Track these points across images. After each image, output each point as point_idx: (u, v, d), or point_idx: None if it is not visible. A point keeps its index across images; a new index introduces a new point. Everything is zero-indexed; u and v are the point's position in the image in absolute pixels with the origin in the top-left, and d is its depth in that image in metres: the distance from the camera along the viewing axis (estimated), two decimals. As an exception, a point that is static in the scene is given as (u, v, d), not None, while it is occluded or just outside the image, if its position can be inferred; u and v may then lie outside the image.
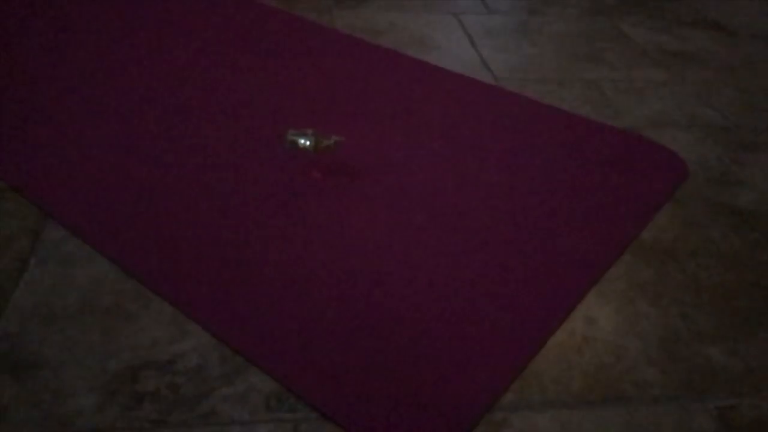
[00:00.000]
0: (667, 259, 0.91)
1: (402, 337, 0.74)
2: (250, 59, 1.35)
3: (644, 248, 0.93)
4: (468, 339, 0.74)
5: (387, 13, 1.67)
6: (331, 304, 0.78)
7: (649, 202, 1.00)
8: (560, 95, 1.33)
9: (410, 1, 1.76)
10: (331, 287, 0.80)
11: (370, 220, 0.92)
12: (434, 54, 1.47)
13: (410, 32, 1.57)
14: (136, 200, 0.93)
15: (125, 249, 0.84)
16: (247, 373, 0.71)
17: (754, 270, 0.90)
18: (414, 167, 1.05)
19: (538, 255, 0.87)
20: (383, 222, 0.92)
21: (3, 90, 1.18)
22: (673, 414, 0.69)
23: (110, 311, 0.77)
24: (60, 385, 0.68)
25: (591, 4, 1.83)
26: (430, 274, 0.83)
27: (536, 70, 1.43)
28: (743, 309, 0.84)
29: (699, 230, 0.97)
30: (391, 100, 1.24)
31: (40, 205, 0.92)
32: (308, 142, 0.98)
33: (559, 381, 0.72)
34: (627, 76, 1.42)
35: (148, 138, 1.08)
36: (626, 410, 0.69)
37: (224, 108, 1.18)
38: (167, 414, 0.66)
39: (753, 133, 1.24)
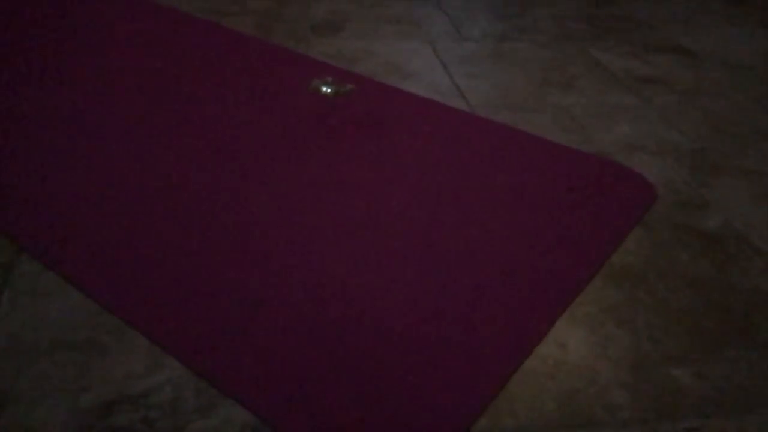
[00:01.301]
0: (636, 282, 0.93)
1: (373, 365, 0.75)
2: (225, 88, 1.37)
3: (614, 272, 0.95)
4: (440, 366, 0.75)
5: (362, 41, 1.69)
6: (303, 336, 0.78)
7: (619, 226, 1.02)
8: (532, 121, 1.35)
9: (385, 28, 1.79)
10: (305, 317, 0.81)
11: (345, 246, 0.93)
12: (409, 81, 1.49)
13: (385, 60, 1.59)
14: (109, 233, 0.93)
15: (99, 282, 0.84)
16: (223, 405, 0.71)
17: (721, 292, 0.92)
18: (387, 193, 1.06)
19: (510, 280, 0.89)
20: (356, 247, 0.93)
21: (-23, 122, 1.18)
22: (643, 437, 0.71)
23: (84, 345, 0.77)
24: (32, 421, 0.68)
25: (561, 30, 1.88)
26: (401, 301, 0.84)
27: (509, 96, 1.45)
28: (710, 330, 0.86)
29: (667, 253, 0.99)
30: (365, 128, 1.25)
31: (13, 238, 0.92)
32: (329, 89, 1.21)
33: (531, 406, 0.73)
34: (597, 102, 1.46)
35: (121, 170, 1.08)
36: (597, 434, 0.71)
37: (198, 135, 1.19)
38: (141, 448, 0.66)
39: (719, 157, 1.27)
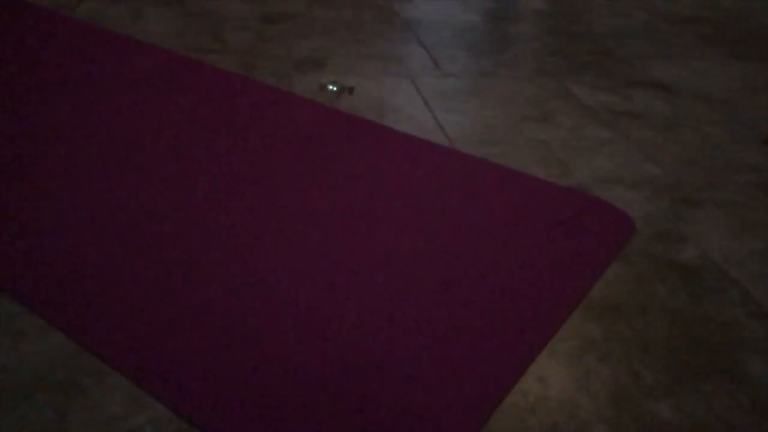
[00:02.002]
0: (615, 316, 0.94)
1: (354, 402, 0.75)
2: (209, 126, 1.38)
3: (593, 306, 0.96)
4: (420, 403, 0.75)
5: (344, 78, 1.72)
6: (285, 373, 0.78)
7: (598, 260, 1.04)
8: (511, 155, 1.38)
9: (367, 65, 1.82)
10: (284, 355, 0.81)
11: (326, 283, 0.94)
12: (391, 117, 1.52)
13: (367, 96, 1.62)
14: (88, 274, 0.93)
15: (79, 322, 0.84)
16: (203, 447, 0.70)
17: (699, 324, 0.94)
18: (369, 227, 1.07)
19: (489, 315, 0.90)
20: (337, 284, 0.93)
21: (-42, 161, 1.18)
22: (624, 472, 0.71)
23: (64, 387, 0.76)
24: (10, 467, 0.67)
25: (540, 66, 1.92)
26: (380, 338, 0.85)
27: (488, 131, 1.48)
28: (690, 364, 0.87)
29: (646, 286, 1.01)
30: (347, 164, 1.27)
31: (-6, 279, 0.91)
32: (335, 87, 1.47)
33: (513, 443, 0.74)
34: (575, 136, 1.48)
35: (100, 212, 1.08)
36: (579, 470, 0.71)
37: (179, 175, 1.19)
38: (120, 493, 0.65)
39: (695, 190, 1.30)
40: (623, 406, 0.80)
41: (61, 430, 0.71)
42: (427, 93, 1.67)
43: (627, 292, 0.99)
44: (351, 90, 1.45)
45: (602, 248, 1.07)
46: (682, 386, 0.83)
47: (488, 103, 1.63)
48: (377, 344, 0.83)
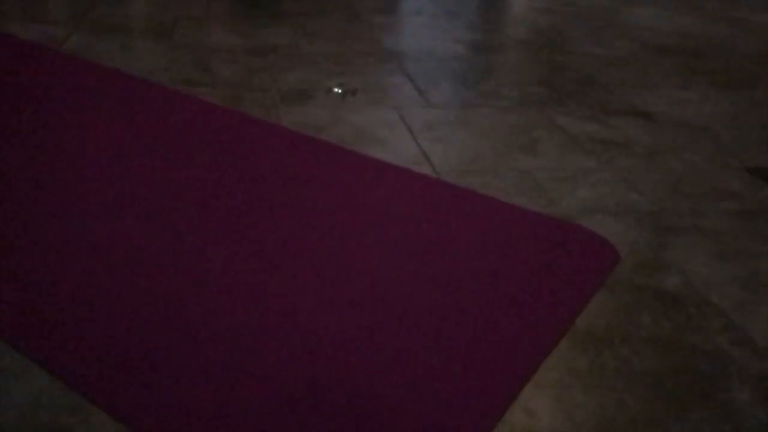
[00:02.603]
0: (600, 345, 0.95)
1: (344, 440, 0.74)
2: (195, 158, 1.38)
3: (579, 335, 0.96)
4: (410, 438, 0.75)
5: (331, 109, 1.73)
6: (279, 406, 0.78)
7: (583, 290, 1.05)
8: (496, 185, 1.39)
9: (353, 96, 1.84)
10: (277, 391, 0.81)
11: (310, 316, 0.94)
12: (377, 148, 1.53)
13: (354, 127, 1.63)
14: (72, 311, 0.93)
15: (64, 361, 0.84)
16: (188, 486, 0.70)
17: (683, 353, 0.94)
18: (356, 259, 1.07)
19: (476, 347, 0.90)
20: (321, 318, 0.94)
21: (-56, 198, 1.18)
22: (611, 505, 0.71)
23: (49, 428, 0.76)
24: None
25: (524, 96, 1.94)
26: (368, 371, 0.85)
27: (474, 162, 1.49)
28: (674, 393, 0.87)
29: (630, 315, 1.02)
30: (334, 196, 1.27)
31: (-22, 317, 0.91)
32: (340, 90, 1.65)
33: (500, 477, 0.74)
34: (559, 165, 1.50)
35: (86, 247, 1.08)
36: (565, 504, 0.71)
37: (164, 210, 1.20)
38: None
39: (677, 217, 1.31)
40: (609, 437, 0.80)
41: (44, 471, 0.70)
42: (412, 124, 1.69)
43: (612, 321, 1.00)
44: (354, 92, 1.58)
45: (587, 278, 1.08)
46: (668, 416, 0.83)
47: (473, 133, 1.65)
48: (362, 376, 0.84)
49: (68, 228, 1.12)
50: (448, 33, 2.61)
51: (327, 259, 1.08)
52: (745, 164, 1.58)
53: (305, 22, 2.61)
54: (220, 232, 1.14)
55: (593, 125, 1.75)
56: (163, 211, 1.19)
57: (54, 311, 0.92)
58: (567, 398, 0.85)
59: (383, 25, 2.64)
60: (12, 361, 0.85)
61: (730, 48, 2.73)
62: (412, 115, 1.74)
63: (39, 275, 1.00)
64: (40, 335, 0.88)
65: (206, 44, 2.21)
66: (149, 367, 0.83)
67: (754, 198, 1.42)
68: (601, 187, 1.42)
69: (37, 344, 0.86)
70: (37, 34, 2.18)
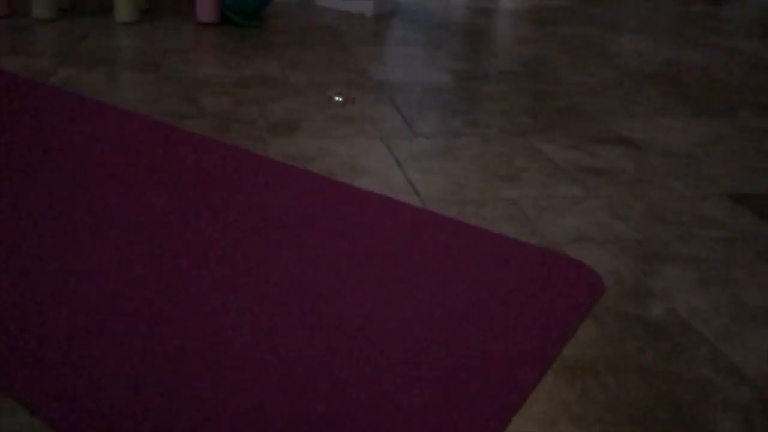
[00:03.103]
0: (587, 376, 0.95)
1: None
2: (181, 191, 1.39)
3: (566, 366, 0.97)
4: (396, 475, 0.75)
5: (319, 140, 1.75)
6: (259, 447, 0.77)
7: (570, 320, 1.05)
8: (482, 215, 1.40)
9: (340, 127, 1.85)
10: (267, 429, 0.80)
11: (294, 353, 0.93)
12: (364, 179, 1.54)
13: (341, 158, 1.64)
14: (57, 350, 0.92)
15: (48, 402, 0.83)
16: None
17: (669, 383, 0.95)
18: (342, 291, 1.07)
19: (461, 379, 0.90)
20: (304, 353, 0.93)
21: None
22: None
23: (29, 469, 0.75)
24: None
25: (509, 124, 1.97)
26: (352, 404, 0.84)
27: (460, 191, 1.50)
28: (661, 424, 0.87)
29: (616, 345, 1.02)
30: (321, 227, 1.28)
31: (-40, 356, 0.90)
32: (340, 98, 1.81)
33: None
34: (544, 194, 1.52)
35: (71, 287, 1.08)
36: None
37: (149, 243, 1.19)
38: None
39: (662, 245, 1.33)
40: (597, 470, 0.80)
41: None
42: (399, 154, 1.70)
43: (598, 351, 1.00)
44: (353, 100, 1.76)
45: (573, 308, 1.08)
46: (655, 447, 0.83)
47: (459, 163, 1.66)
48: (345, 410, 0.83)
49: (52, 265, 1.12)
50: (434, 62, 2.64)
51: (314, 291, 1.08)
52: (728, 191, 1.60)
53: (293, 53, 2.64)
54: (206, 266, 1.13)
55: (578, 153, 1.77)
56: (148, 244, 1.19)
57: (37, 349, 0.91)
58: (555, 431, 0.85)
59: (370, 55, 2.67)
60: (-6, 401, 0.84)
61: (712, 75, 2.78)
62: (399, 146, 1.75)
63: (23, 315, 0.99)
64: (25, 376, 0.87)
65: (194, 76, 2.22)
66: (139, 414, 0.83)
67: (736, 225, 1.43)
68: (587, 215, 1.43)
69: (22, 384, 0.85)
70: (24, 66, 2.19)
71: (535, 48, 3.04)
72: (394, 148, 1.73)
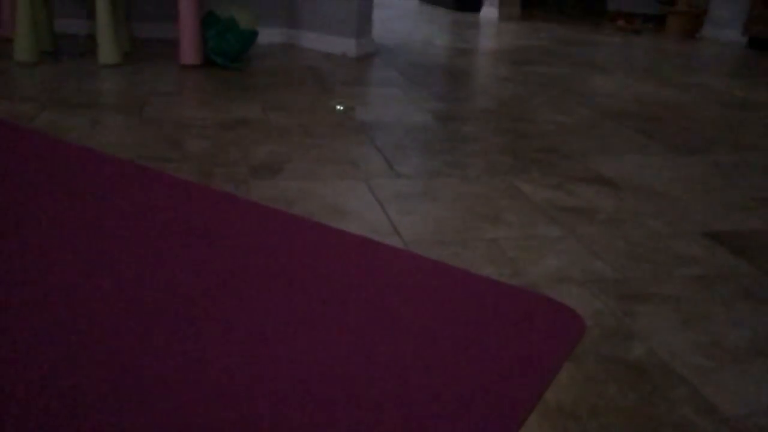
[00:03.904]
0: (569, 420, 0.95)
1: None
2: (163, 236, 1.39)
3: (548, 410, 0.97)
4: None
5: (301, 182, 1.76)
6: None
7: (551, 363, 1.06)
8: (463, 256, 1.41)
9: (322, 169, 1.87)
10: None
11: (277, 394, 0.93)
12: (346, 220, 1.55)
13: (323, 200, 1.66)
14: (39, 393, 0.91)
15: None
16: None
17: (650, 426, 0.95)
18: (324, 335, 1.07)
19: (442, 426, 0.90)
20: (287, 395, 0.93)
21: None
22: None
23: None
24: None
25: (489, 164, 1.99)
26: (341, 456, 0.84)
27: (441, 232, 1.52)
28: (643, 467, 0.88)
29: (597, 387, 1.03)
30: (302, 270, 1.28)
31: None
32: (341, 107, 2.13)
33: None
34: (524, 234, 1.54)
35: (49, 334, 1.07)
36: None
37: (133, 289, 1.19)
38: None
39: (641, 285, 1.34)
40: None
41: None
42: (381, 195, 1.72)
43: (579, 394, 1.01)
44: (353, 109, 2.09)
45: (554, 350, 1.09)
46: (637, 492, 0.84)
47: (441, 204, 1.68)
48: (332, 463, 0.82)
49: (31, 310, 1.11)
50: (416, 103, 2.68)
51: (296, 335, 1.08)
52: (704, 229, 1.63)
53: (276, 95, 2.67)
54: (188, 309, 1.13)
55: (557, 193, 1.80)
56: (128, 290, 1.18)
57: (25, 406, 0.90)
58: (537, 477, 0.85)
59: (352, 97, 2.71)
60: (-30, 457, 0.82)
61: (686, 112, 2.85)
62: (381, 187, 1.77)
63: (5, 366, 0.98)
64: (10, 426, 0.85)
65: (177, 119, 2.24)
66: (113, 459, 0.81)
67: (713, 263, 1.46)
68: (566, 255, 1.45)
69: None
70: (6, 111, 2.19)
71: (514, 88, 3.10)
72: (376, 189, 1.75)
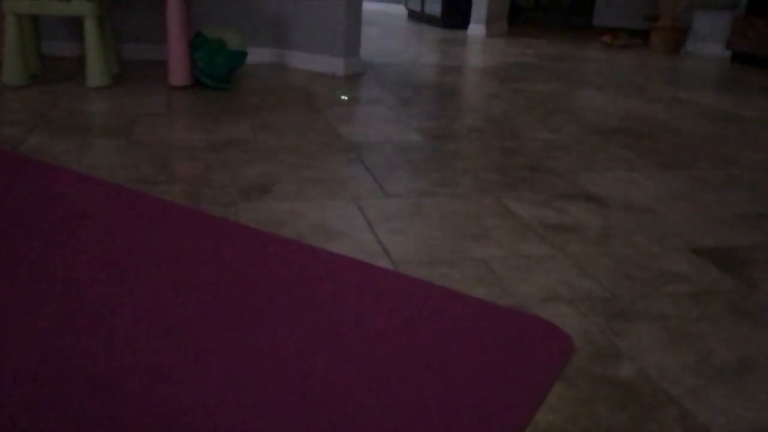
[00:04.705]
0: (559, 441, 0.95)
1: None
2: (152, 260, 1.38)
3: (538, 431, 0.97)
4: None
5: (290, 203, 1.76)
6: None
7: (541, 383, 1.06)
8: (453, 276, 1.42)
9: (311, 189, 1.87)
10: None
11: (263, 416, 0.93)
12: (336, 241, 1.55)
13: (313, 221, 1.66)
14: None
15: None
16: None
17: (640, 445, 0.95)
18: (313, 359, 1.07)
19: (437, 451, 0.89)
20: (274, 414, 0.92)
21: None
22: None
23: None
24: None
25: (478, 182, 2.00)
26: (331, 484, 0.83)
27: (430, 252, 1.52)
28: (633, 488, 0.88)
29: (587, 408, 1.03)
30: (291, 293, 1.28)
31: None
32: (346, 97, 2.38)
33: None
34: (513, 253, 1.54)
35: (30, 364, 1.06)
36: None
37: (114, 318, 1.18)
38: None
39: (629, 303, 1.35)
40: None
41: None
42: (370, 215, 1.72)
43: (570, 414, 1.01)
44: (357, 99, 2.32)
45: (545, 371, 1.09)
46: None
47: (430, 223, 1.68)
48: (322, 491, 0.82)
49: (18, 343, 1.10)
50: (404, 122, 2.69)
51: (286, 358, 1.07)
52: (691, 245, 1.64)
53: (264, 115, 2.67)
54: (178, 336, 1.13)
55: (545, 211, 1.81)
56: (118, 313, 1.18)
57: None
58: (528, 500, 0.85)
59: (341, 116, 2.72)
60: (-46, 491, 0.81)
61: (672, 127, 2.88)
62: (371, 207, 1.78)
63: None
64: (-15, 461, 0.84)
65: (165, 141, 2.24)
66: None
67: (701, 279, 1.47)
68: (555, 274, 1.45)
69: (-18, 471, 0.83)
70: (-5, 135, 2.18)
71: (502, 105, 3.12)
72: (365, 209, 1.75)
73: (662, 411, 1.03)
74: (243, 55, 3.10)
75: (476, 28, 5.91)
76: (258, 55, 3.83)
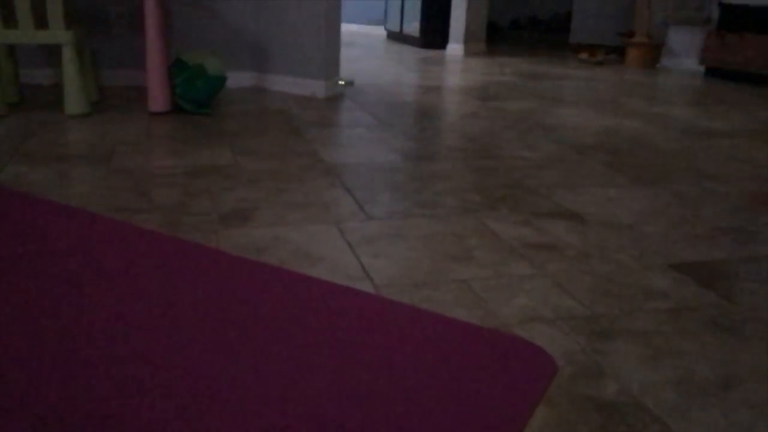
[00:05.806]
0: (544, 464, 0.95)
1: None
2: (131, 289, 1.37)
3: (522, 455, 0.97)
4: None
5: (271, 229, 1.76)
6: None
7: (524, 406, 1.06)
8: (436, 298, 1.42)
9: (292, 214, 1.87)
10: None
11: (254, 461, 0.92)
12: (317, 266, 1.55)
13: (294, 246, 1.65)
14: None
15: None
16: None
17: (624, 465, 0.96)
18: (294, 384, 1.06)
19: (422, 479, 0.89)
20: (267, 461, 0.92)
21: None
22: None
23: None
24: None
25: (458, 203, 2.01)
26: None
27: (412, 275, 1.52)
28: None
29: (570, 429, 1.03)
30: (273, 319, 1.27)
31: None
32: (343, 82, 3.11)
33: None
34: (495, 273, 1.55)
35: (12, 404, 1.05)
36: None
37: (92, 348, 1.17)
38: None
39: (610, 321, 1.36)
40: None
41: None
42: (352, 238, 1.72)
43: (553, 436, 1.01)
44: (352, 83, 2.71)
45: (527, 393, 1.09)
46: None
47: (411, 245, 1.69)
48: None
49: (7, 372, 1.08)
50: (385, 143, 2.71)
51: (268, 385, 1.07)
52: (670, 261, 1.66)
53: (245, 139, 2.67)
54: (154, 367, 1.11)
55: (525, 230, 1.82)
56: (97, 345, 1.16)
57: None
58: None
59: (322, 139, 2.73)
60: None
61: (648, 143, 2.91)
62: (352, 230, 1.78)
63: (-37, 434, 0.95)
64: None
65: (145, 168, 2.23)
66: None
67: (680, 295, 1.48)
68: (536, 293, 1.46)
69: None
70: (-29, 166, 2.16)
71: (481, 124, 3.15)
72: (346, 233, 1.75)
73: (645, 430, 1.03)
74: (223, 80, 3.11)
75: (454, 48, 5.97)
76: (238, 80, 3.83)
